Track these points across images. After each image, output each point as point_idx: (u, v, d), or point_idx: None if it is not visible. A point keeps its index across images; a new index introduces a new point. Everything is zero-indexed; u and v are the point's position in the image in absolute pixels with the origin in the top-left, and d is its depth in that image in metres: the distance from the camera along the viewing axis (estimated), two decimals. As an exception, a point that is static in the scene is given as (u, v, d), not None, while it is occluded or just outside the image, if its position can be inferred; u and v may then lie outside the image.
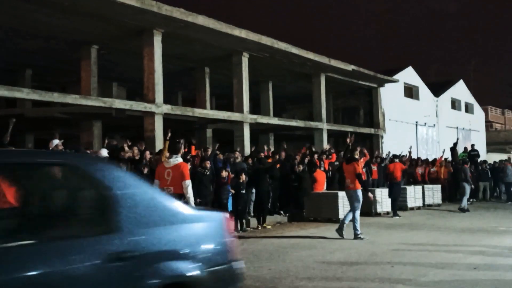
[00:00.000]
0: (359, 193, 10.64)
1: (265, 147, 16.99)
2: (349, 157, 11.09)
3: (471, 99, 35.98)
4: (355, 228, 10.48)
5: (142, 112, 14.54)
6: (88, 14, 13.01)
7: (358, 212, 10.63)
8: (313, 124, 21.14)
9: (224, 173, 11.78)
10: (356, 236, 10.40)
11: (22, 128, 17.97)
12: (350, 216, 10.64)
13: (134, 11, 12.96)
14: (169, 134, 10.35)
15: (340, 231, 10.52)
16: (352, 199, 10.69)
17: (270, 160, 14.21)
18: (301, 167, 14.48)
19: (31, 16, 12.97)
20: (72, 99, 12.91)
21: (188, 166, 10.19)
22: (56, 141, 9.47)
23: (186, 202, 7.21)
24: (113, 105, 13.91)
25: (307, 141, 22.54)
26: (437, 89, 31.40)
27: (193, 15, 14.04)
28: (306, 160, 15.44)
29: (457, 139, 25.05)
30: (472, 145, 25.20)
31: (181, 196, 7.21)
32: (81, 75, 15.81)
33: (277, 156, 14.77)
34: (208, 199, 11.59)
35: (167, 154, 10.57)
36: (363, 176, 11.10)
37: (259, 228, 12.70)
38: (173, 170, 7.20)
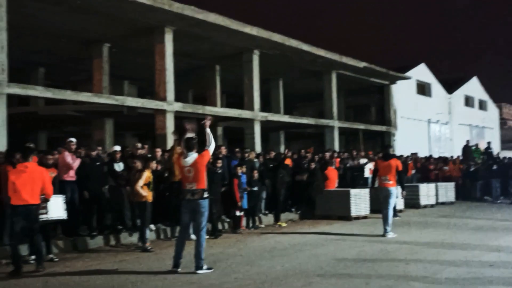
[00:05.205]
0: (396, 190, 10.59)
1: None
2: (386, 153, 10.91)
3: (485, 96, 35.62)
4: (387, 225, 10.40)
5: (154, 110, 14.57)
6: (99, 12, 13.05)
7: (392, 209, 10.61)
8: (324, 121, 21.04)
9: (239, 170, 11.76)
10: (385, 232, 10.34)
11: (35, 126, 18.13)
12: (391, 214, 10.57)
13: (145, 8, 12.97)
14: (175, 137, 10.22)
15: (386, 233, 10.43)
16: (389, 196, 10.48)
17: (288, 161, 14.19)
18: (313, 165, 14.41)
19: (43, 15, 13.04)
20: (84, 97, 12.97)
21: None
22: (72, 139, 9.59)
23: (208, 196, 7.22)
24: (125, 103, 13.95)
25: (318, 139, 22.45)
26: (450, 86, 31.12)
27: (204, 13, 14.02)
28: (316, 158, 15.38)
29: (467, 141, 24.84)
30: (488, 143, 24.99)
31: (204, 191, 7.20)
32: (93, 73, 15.87)
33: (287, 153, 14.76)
34: (219, 196, 11.56)
35: (178, 151, 10.58)
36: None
37: (276, 226, 12.67)
38: (193, 167, 7.18)
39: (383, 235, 10.34)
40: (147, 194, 9.26)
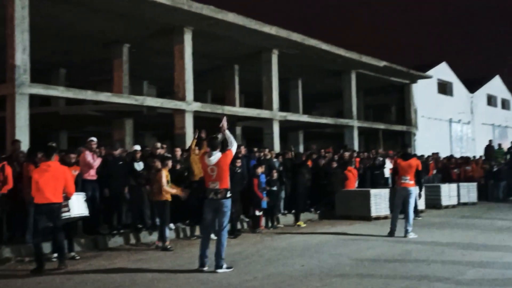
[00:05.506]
0: (415, 190, 10.46)
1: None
2: (406, 153, 10.75)
3: (508, 95, 35.00)
4: (409, 225, 10.23)
5: (173, 109, 14.64)
6: (119, 13, 13.16)
7: (412, 209, 10.47)
8: (343, 121, 20.90)
9: (259, 170, 11.74)
10: (406, 233, 10.16)
11: (56, 125, 18.38)
12: (411, 214, 10.40)
13: (164, 9, 13.04)
14: (200, 134, 10.29)
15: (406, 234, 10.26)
16: (409, 196, 10.29)
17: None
18: (334, 164, 14.33)
19: (64, 16, 13.19)
20: (104, 97, 13.10)
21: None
22: (93, 139, 9.70)
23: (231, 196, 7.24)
24: (145, 103, 14.05)
25: (337, 139, 22.31)
26: (472, 85, 30.67)
27: (223, 12, 14.04)
28: (336, 157, 15.29)
29: (490, 140, 24.35)
30: None
31: (227, 190, 7.21)
32: (113, 73, 16.01)
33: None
34: (238, 196, 11.54)
35: (197, 151, 10.59)
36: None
37: (295, 226, 12.60)
38: (217, 166, 7.17)
39: (390, 235, 10.20)
40: (176, 190, 9.30)
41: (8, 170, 8.54)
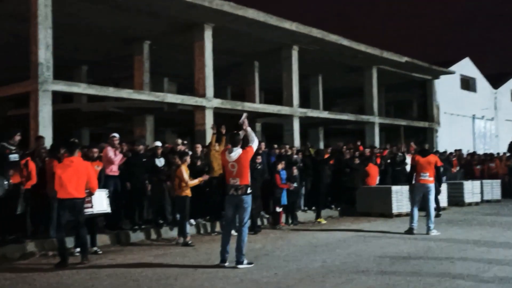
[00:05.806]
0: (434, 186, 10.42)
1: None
2: (424, 149, 10.69)
3: (533, 91, 34.22)
4: (431, 222, 10.15)
5: (193, 106, 14.70)
6: (140, 10, 13.26)
7: (433, 206, 10.41)
8: (364, 117, 20.73)
9: (280, 166, 11.73)
10: (429, 231, 10.05)
11: (78, 122, 18.64)
12: (433, 211, 10.32)
13: (185, 5, 13.10)
14: (220, 129, 10.42)
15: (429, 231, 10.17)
16: (429, 193, 10.25)
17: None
18: (357, 161, 14.23)
19: (87, 14, 13.35)
20: (126, 93, 13.23)
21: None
22: (116, 135, 9.78)
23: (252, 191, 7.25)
24: (165, 100, 14.15)
25: (358, 136, 22.14)
26: (496, 81, 30.11)
27: (243, 9, 14.04)
28: (357, 153, 15.18)
29: None
30: None
31: (247, 187, 7.22)
32: (134, 70, 16.15)
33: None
34: (258, 192, 11.54)
35: (217, 147, 10.63)
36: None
37: (315, 222, 12.54)
38: (237, 163, 7.19)
39: (409, 233, 10.09)
40: (198, 180, 9.36)
41: (32, 166, 8.68)
